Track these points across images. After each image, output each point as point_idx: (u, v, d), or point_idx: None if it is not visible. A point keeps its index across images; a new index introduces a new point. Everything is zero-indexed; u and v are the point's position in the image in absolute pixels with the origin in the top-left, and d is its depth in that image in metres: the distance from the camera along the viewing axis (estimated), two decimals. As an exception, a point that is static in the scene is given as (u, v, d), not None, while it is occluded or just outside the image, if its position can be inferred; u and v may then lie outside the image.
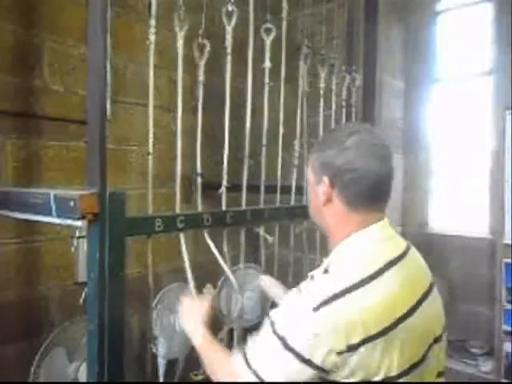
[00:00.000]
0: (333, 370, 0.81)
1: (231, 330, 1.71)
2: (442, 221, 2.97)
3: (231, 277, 1.50)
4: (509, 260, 2.33)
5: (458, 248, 2.72)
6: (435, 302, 0.93)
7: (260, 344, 0.89)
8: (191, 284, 1.38)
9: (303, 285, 0.90)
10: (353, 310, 0.80)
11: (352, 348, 0.79)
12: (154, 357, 1.45)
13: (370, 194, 0.89)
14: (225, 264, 1.43)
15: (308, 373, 0.82)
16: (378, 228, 0.91)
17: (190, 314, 1.22)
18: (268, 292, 1.52)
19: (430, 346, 0.89)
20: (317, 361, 0.80)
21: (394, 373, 0.81)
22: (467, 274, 2.66)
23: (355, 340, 0.78)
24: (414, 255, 0.96)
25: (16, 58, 1.86)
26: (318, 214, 0.99)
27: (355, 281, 0.82)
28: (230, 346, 1.69)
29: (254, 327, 1.77)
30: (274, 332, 0.85)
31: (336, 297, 0.80)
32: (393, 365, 0.81)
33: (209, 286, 1.28)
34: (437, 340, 0.91)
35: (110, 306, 1.03)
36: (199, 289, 1.45)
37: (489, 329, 2.53)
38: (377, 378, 0.80)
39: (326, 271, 0.88)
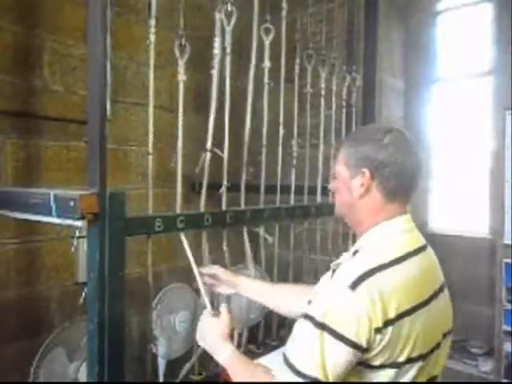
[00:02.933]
0: (368, 350, 0.82)
1: (231, 330, 1.71)
2: (442, 221, 2.97)
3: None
4: (509, 260, 2.33)
5: (458, 248, 2.73)
6: (447, 300, 0.99)
7: (306, 347, 0.85)
8: (202, 290, 1.31)
9: (328, 274, 0.92)
10: (386, 286, 0.83)
11: (387, 324, 0.81)
12: (154, 357, 1.45)
13: (406, 187, 0.97)
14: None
15: (357, 356, 0.82)
16: (404, 220, 0.97)
17: (211, 331, 1.16)
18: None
19: (444, 336, 0.95)
20: (362, 341, 0.81)
21: (415, 354, 0.85)
22: (467, 274, 2.66)
23: (391, 315, 0.81)
24: (432, 253, 1.02)
25: (16, 58, 1.86)
26: (349, 207, 1.01)
27: (386, 261, 0.86)
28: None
29: (255, 326, 1.78)
30: (316, 325, 0.83)
31: (370, 273, 0.83)
32: (416, 346, 0.85)
33: (224, 305, 1.23)
34: (449, 332, 0.97)
35: (109, 306, 1.03)
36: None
37: (489, 329, 2.53)
38: (400, 359, 0.84)
39: (354, 255, 0.91)
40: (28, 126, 1.89)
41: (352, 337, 0.80)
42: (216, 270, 1.37)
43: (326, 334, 0.82)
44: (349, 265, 0.89)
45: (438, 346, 0.92)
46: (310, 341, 0.84)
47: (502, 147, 2.42)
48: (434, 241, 1.09)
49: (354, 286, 0.82)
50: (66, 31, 2.00)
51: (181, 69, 1.35)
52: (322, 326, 0.83)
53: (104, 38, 1.03)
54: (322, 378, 0.82)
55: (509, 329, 2.32)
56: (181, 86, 1.37)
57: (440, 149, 3.01)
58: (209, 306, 1.27)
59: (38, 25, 1.92)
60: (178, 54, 1.34)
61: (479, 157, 2.82)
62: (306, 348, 0.85)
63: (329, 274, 0.94)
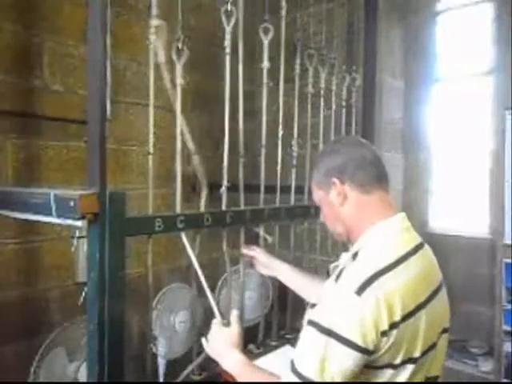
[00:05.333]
0: (379, 350, 0.83)
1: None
2: (442, 221, 2.97)
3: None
4: (509, 260, 2.33)
5: (458, 248, 2.72)
6: (444, 298, 1.00)
7: (309, 351, 0.85)
8: (211, 300, 1.33)
9: (331, 278, 0.92)
10: (391, 289, 0.83)
11: (393, 327, 0.82)
12: (154, 357, 1.45)
13: (374, 174, 1.00)
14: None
15: (363, 360, 0.82)
16: (399, 219, 0.99)
17: (220, 340, 1.16)
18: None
19: (441, 334, 0.95)
20: (368, 345, 0.81)
21: (417, 354, 0.86)
22: (467, 274, 2.66)
23: (396, 318, 0.82)
24: (429, 251, 1.03)
25: (16, 58, 1.86)
26: (338, 221, 1.04)
27: (387, 263, 0.87)
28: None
29: (255, 327, 1.78)
30: (322, 331, 0.83)
31: (375, 277, 0.84)
32: (418, 345, 0.86)
33: (235, 313, 1.23)
34: (445, 331, 0.98)
35: (109, 306, 1.03)
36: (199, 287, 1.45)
37: (489, 329, 2.53)
38: (403, 359, 0.84)
39: (354, 258, 0.92)
40: (28, 126, 1.89)
41: (359, 342, 0.81)
42: (256, 252, 1.45)
43: (332, 340, 0.82)
44: (352, 269, 0.89)
45: (434, 344, 0.92)
46: (314, 346, 0.84)
47: (501, 147, 2.42)
48: (434, 241, 1.10)
49: (360, 291, 0.82)
50: (66, 31, 2.00)
51: (179, 72, 1.35)
52: (327, 332, 0.82)
53: (104, 38, 1.03)
54: (322, 379, 0.82)
55: (509, 329, 2.32)
56: (178, 90, 1.37)
57: (440, 149, 3.01)
58: (218, 315, 1.27)
59: (37, 25, 1.92)
60: (175, 57, 1.34)
61: (479, 157, 2.82)
62: (308, 352, 0.85)
63: (332, 278, 0.93)
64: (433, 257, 1.02)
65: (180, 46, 1.33)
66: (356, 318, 0.81)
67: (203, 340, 1.21)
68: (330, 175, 1.01)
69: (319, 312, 0.88)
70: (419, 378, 0.89)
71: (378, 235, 0.95)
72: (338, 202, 1.00)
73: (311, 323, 0.86)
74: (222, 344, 1.14)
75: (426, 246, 1.01)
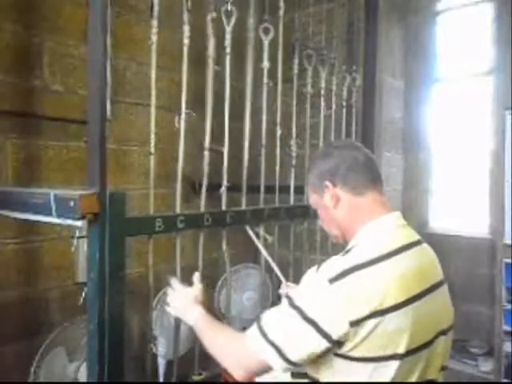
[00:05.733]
0: (342, 342, 0.84)
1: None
2: (442, 221, 2.97)
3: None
4: (509, 260, 2.33)
5: (458, 248, 2.72)
6: (444, 298, 0.99)
7: (276, 317, 0.92)
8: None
9: (316, 266, 0.94)
10: (367, 283, 0.85)
11: (363, 319, 0.82)
12: (154, 357, 1.45)
13: (366, 176, 1.00)
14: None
15: (324, 345, 0.84)
16: (393, 217, 0.99)
17: (181, 294, 1.20)
18: None
19: (437, 336, 0.93)
20: (332, 331, 0.83)
21: (401, 350, 0.84)
22: (467, 274, 2.66)
23: (367, 312, 0.82)
24: (428, 249, 1.02)
25: (16, 58, 1.86)
26: (333, 223, 1.05)
27: (372, 257, 0.88)
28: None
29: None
30: (291, 305, 0.88)
31: (351, 270, 0.86)
32: (402, 342, 0.84)
33: (197, 274, 1.26)
34: (443, 333, 0.95)
35: (110, 306, 1.03)
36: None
37: (489, 329, 2.53)
38: (381, 354, 0.84)
39: (345, 254, 0.94)
40: (28, 126, 1.89)
41: (323, 326, 0.83)
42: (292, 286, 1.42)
43: (299, 316, 0.86)
44: (335, 260, 0.91)
45: (429, 343, 0.90)
46: (282, 314, 0.90)
47: (501, 147, 2.42)
48: (434, 241, 1.09)
49: (333, 280, 0.85)
50: (66, 31, 2.00)
51: (184, 70, 1.36)
52: (297, 308, 0.87)
53: (104, 38, 1.03)
54: (280, 346, 0.87)
55: (509, 329, 2.32)
56: (184, 87, 1.37)
57: (440, 149, 3.01)
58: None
59: (38, 25, 1.92)
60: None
61: (479, 157, 2.82)
62: (277, 317, 0.91)
63: (316, 265, 0.96)
64: (432, 255, 1.02)
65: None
66: (323, 303, 0.85)
67: (167, 300, 1.23)
68: (323, 178, 1.02)
69: (296, 291, 0.94)
70: (415, 376, 0.88)
71: (368, 233, 0.96)
72: (332, 204, 1.01)
73: (287, 297, 0.91)
74: (184, 300, 1.18)
75: (425, 245, 1.01)
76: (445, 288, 0.99)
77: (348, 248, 0.96)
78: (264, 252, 1.57)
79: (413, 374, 0.88)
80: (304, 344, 0.86)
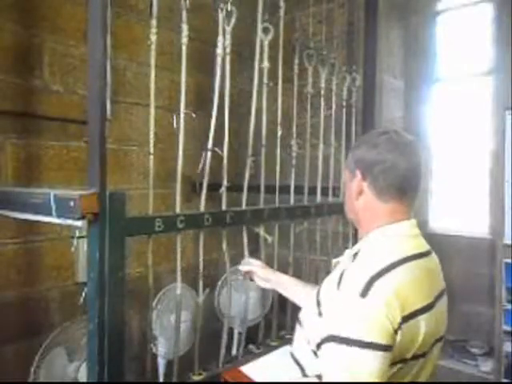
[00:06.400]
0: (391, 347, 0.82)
1: (231, 330, 1.71)
2: (442, 221, 2.97)
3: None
4: (509, 260, 2.33)
5: (458, 248, 2.72)
6: (444, 306, 0.99)
7: (335, 365, 0.83)
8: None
9: (332, 282, 0.91)
10: (393, 288, 0.83)
11: (404, 320, 0.82)
12: (154, 357, 1.45)
13: (397, 186, 0.95)
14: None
15: (388, 357, 0.81)
16: (408, 225, 0.97)
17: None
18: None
19: (435, 343, 0.93)
20: (389, 342, 0.80)
21: (409, 356, 0.85)
22: (467, 274, 2.66)
23: (400, 317, 0.81)
24: (436, 259, 1.01)
25: (16, 58, 1.86)
26: (351, 208, 1.04)
27: (386, 264, 0.86)
28: (229, 345, 1.70)
29: (255, 327, 1.78)
30: (341, 342, 0.81)
31: (377, 276, 0.83)
32: (413, 348, 0.85)
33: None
34: (440, 339, 0.96)
35: (109, 306, 1.03)
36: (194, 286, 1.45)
37: (489, 329, 2.53)
38: (408, 356, 0.84)
39: (354, 258, 0.93)
40: (28, 126, 1.89)
41: (378, 340, 0.79)
42: (254, 265, 1.45)
43: (353, 348, 0.80)
44: (352, 272, 0.88)
45: (426, 352, 0.90)
46: (338, 359, 0.82)
47: (501, 147, 2.42)
48: (434, 241, 1.08)
49: (364, 292, 0.82)
50: (66, 31, 2.00)
51: (183, 70, 1.36)
52: (346, 341, 0.81)
53: (104, 38, 1.03)
54: None
55: (509, 329, 2.32)
56: (183, 86, 1.37)
57: (440, 149, 3.01)
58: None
59: (38, 25, 1.92)
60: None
61: (479, 157, 2.82)
62: (335, 367, 0.83)
63: (332, 277, 0.94)
64: (438, 265, 1.01)
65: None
66: (366, 318, 0.81)
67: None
68: (358, 166, 0.99)
69: (331, 324, 0.86)
70: (406, 379, 0.88)
71: (380, 238, 0.95)
72: (355, 193, 1.00)
73: (327, 339, 0.84)
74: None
75: (433, 255, 1.00)
76: (445, 298, 1.00)
77: (355, 250, 0.95)
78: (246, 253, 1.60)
79: (406, 378, 0.88)
80: (375, 369, 0.79)
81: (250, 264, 1.46)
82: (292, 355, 1.02)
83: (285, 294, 1.39)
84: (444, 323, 0.98)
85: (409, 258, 0.90)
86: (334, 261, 1.02)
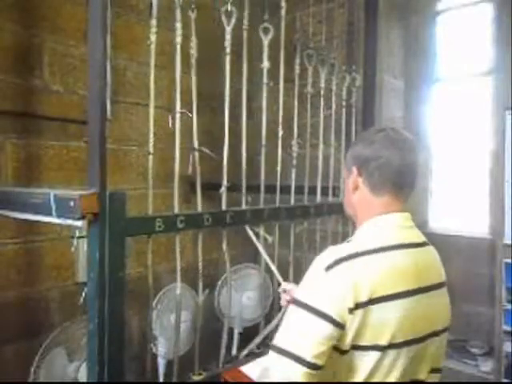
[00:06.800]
0: (346, 328, 0.85)
1: (231, 330, 1.71)
2: (441, 221, 2.97)
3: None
4: (509, 260, 2.33)
5: (458, 248, 2.72)
6: (442, 300, 0.99)
7: (284, 324, 0.90)
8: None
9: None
10: (359, 271, 0.86)
11: (359, 306, 0.84)
12: (154, 357, 1.45)
13: (392, 182, 0.98)
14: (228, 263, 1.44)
15: (336, 332, 0.84)
16: (400, 216, 0.99)
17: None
18: None
19: (430, 336, 0.93)
20: (331, 312, 0.84)
21: (383, 342, 0.86)
22: (467, 274, 2.66)
23: (361, 298, 0.84)
24: (432, 252, 1.03)
25: (16, 57, 1.86)
26: (349, 204, 1.07)
27: (369, 248, 0.90)
28: (229, 345, 1.70)
29: (255, 327, 1.78)
30: (294, 303, 0.89)
31: (346, 258, 0.88)
32: (385, 334, 0.86)
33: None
34: (436, 334, 0.95)
35: (109, 306, 1.03)
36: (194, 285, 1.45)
37: (489, 329, 2.53)
38: (364, 342, 0.86)
39: (345, 244, 0.97)
40: (28, 126, 1.89)
41: (330, 312, 0.84)
42: (289, 287, 1.39)
43: (300, 309, 0.87)
44: (334, 248, 0.93)
45: (417, 341, 0.90)
46: (288, 317, 0.90)
47: (501, 147, 2.42)
48: (434, 241, 1.08)
49: (329, 268, 0.87)
50: (66, 31, 2.00)
51: (178, 69, 1.35)
52: (297, 302, 0.88)
53: (104, 38, 1.03)
54: (307, 356, 0.83)
55: (509, 329, 2.32)
56: (178, 86, 1.37)
57: (440, 149, 3.01)
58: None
59: (38, 25, 1.92)
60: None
61: (479, 157, 2.82)
62: (284, 325, 0.90)
63: None
64: (435, 257, 1.02)
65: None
66: (324, 291, 0.86)
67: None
68: (354, 162, 1.02)
69: (298, 289, 0.94)
70: (397, 372, 0.88)
71: (372, 227, 0.98)
72: (352, 189, 1.03)
73: (292, 301, 0.92)
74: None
75: (430, 247, 1.01)
76: (443, 291, 0.99)
77: (349, 239, 1.00)
78: (264, 254, 1.59)
79: (395, 368, 0.88)
80: (310, 334, 0.84)
81: (287, 290, 1.37)
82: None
83: None
84: (442, 318, 0.98)
85: (394, 246, 0.92)
86: None
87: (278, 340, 0.88)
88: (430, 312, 0.94)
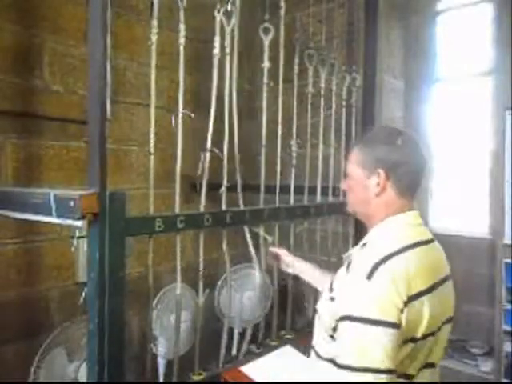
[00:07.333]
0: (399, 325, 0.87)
1: (231, 330, 1.71)
2: (442, 221, 2.97)
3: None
4: (509, 260, 2.33)
5: (458, 248, 2.72)
6: (450, 290, 1.05)
7: (348, 342, 0.89)
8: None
9: (343, 269, 1.01)
10: (397, 271, 0.89)
11: (410, 300, 0.88)
12: (154, 357, 1.45)
13: (416, 184, 1.05)
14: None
15: (397, 335, 0.86)
16: (412, 215, 1.04)
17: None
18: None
19: (443, 324, 1.00)
20: (396, 320, 0.86)
21: (418, 335, 0.91)
22: (467, 274, 2.66)
23: (405, 297, 0.88)
24: (439, 247, 1.08)
25: (16, 57, 1.87)
26: (365, 203, 1.07)
27: (395, 249, 0.93)
28: (229, 345, 1.70)
29: (255, 327, 1.78)
30: (353, 320, 0.88)
31: (380, 263, 0.90)
32: (421, 327, 0.91)
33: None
34: (448, 321, 1.02)
35: (109, 306, 1.03)
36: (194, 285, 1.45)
37: (489, 329, 2.53)
38: (405, 336, 0.89)
39: (362, 248, 1.01)
40: (28, 126, 1.89)
41: (387, 318, 0.85)
42: (281, 251, 1.56)
43: (364, 325, 0.86)
44: (360, 258, 0.96)
45: (437, 331, 0.96)
46: (352, 337, 0.88)
47: (501, 147, 2.42)
48: (434, 241, 1.11)
49: (369, 276, 0.88)
50: (66, 31, 2.01)
51: (181, 69, 1.36)
52: (363, 320, 0.87)
53: (104, 38, 1.03)
54: (382, 365, 0.84)
55: (509, 329, 2.32)
56: (181, 86, 1.37)
57: (440, 149, 3.01)
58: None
59: (38, 25, 1.92)
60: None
61: (479, 157, 2.82)
62: (347, 344, 0.89)
63: (343, 268, 1.01)
64: (442, 252, 1.07)
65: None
66: (373, 299, 0.87)
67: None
68: (379, 165, 1.02)
69: (344, 305, 0.92)
70: (419, 359, 0.94)
71: (386, 228, 1.02)
72: (375, 191, 1.03)
73: (342, 318, 0.91)
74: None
75: (436, 243, 1.06)
76: (450, 282, 1.05)
77: (364, 241, 1.02)
78: (253, 252, 1.67)
79: (417, 358, 0.93)
80: (385, 344, 0.85)
81: (279, 249, 1.56)
82: (313, 348, 1.06)
83: (306, 279, 1.50)
84: (450, 306, 1.04)
85: (414, 244, 0.96)
86: (345, 255, 1.08)
87: (352, 360, 0.87)
88: (444, 303, 1.00)
